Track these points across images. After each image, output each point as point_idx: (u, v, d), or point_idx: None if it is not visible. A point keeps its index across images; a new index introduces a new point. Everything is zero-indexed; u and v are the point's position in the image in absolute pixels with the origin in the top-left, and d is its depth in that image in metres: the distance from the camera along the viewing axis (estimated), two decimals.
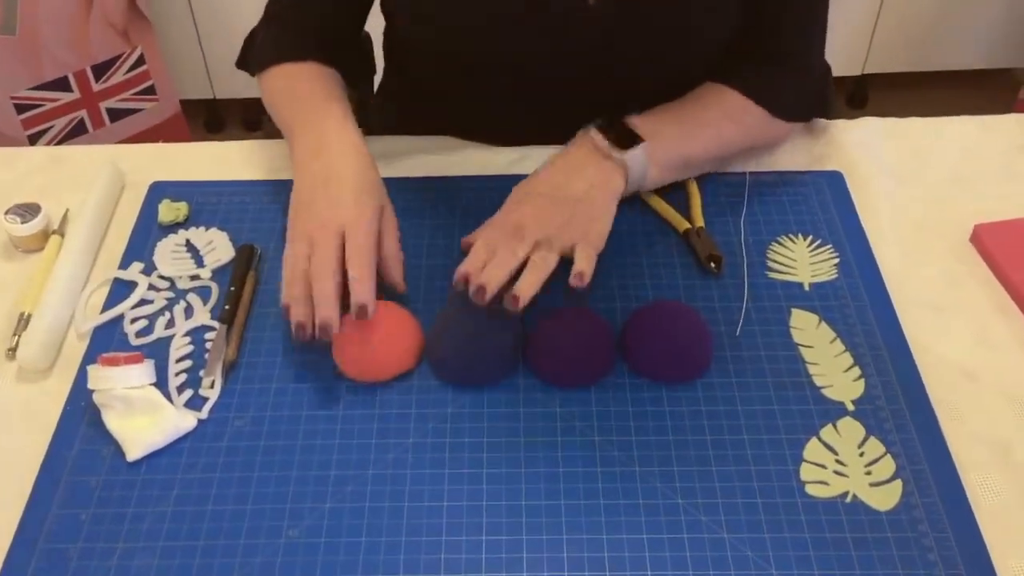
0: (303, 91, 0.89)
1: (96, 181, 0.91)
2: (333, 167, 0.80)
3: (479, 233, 0.80)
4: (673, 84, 0.93)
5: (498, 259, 0.75)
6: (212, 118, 2.34)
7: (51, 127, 1.83)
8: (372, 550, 0.65)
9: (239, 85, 2.20)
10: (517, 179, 0.83)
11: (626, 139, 0.82)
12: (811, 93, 0.95)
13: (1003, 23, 2.21)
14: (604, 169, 0.81)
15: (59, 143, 1.84)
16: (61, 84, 1.79)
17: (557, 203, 0.79)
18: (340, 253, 0.75)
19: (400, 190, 0.91)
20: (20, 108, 1.77)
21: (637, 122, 0.84)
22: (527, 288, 0.73)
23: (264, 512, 0.68)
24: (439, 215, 0.89)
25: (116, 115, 1.91)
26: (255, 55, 0.95)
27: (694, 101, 0.90)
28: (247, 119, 2.36)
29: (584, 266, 0.75)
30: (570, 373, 0.75)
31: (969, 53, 2.26)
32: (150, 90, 1.93)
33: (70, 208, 0.90)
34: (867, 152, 0.96)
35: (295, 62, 0.91)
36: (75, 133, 1.87)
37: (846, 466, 0.70)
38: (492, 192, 0.85)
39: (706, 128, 0.88)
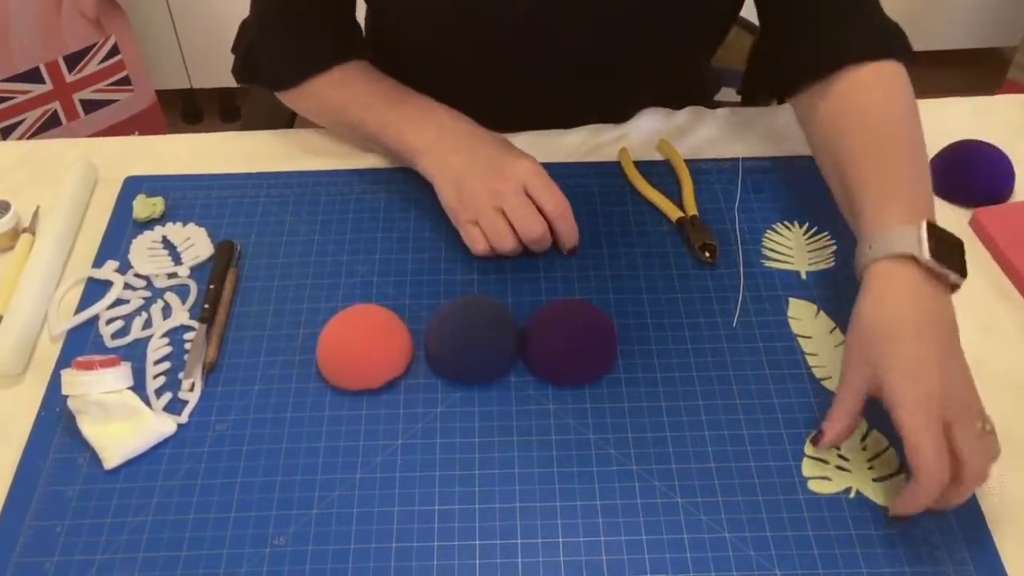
0: (368, 90, 0.87)
1: (67, 176, 0.87)
2: (469, 135, 0.80)
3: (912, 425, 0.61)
4: (661, 67, 0.90)
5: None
6: (189, 108, 2.30)
7: (23, 120, 1.78)
8: (361, 557, 0.63)
9: (217, 75, 2.16)
10: None
11: (946, 247, 0.66)
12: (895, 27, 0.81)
13: (990, 2, 2.19)
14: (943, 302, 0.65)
15: (32, 136, 1.80)
16: (33, 76, 1.74)
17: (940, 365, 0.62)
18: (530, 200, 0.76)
19: (382, 181, 0.89)
20: None
21: (924, 209, 0.69)
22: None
23: (248, 520, 0.65)
24: (423, 207, 0.86)
25: (90, 107, 1.86)
26: (278, 71, 0.90)
27: (860, 132, 0.74)
28: (225, 109, 2.32)
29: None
30: (572, 372, 0.73)
31: (957, 33, 2.24)
32: (125, 80, 1.88)
33: (41, 205, 0.87)
34: None
35: (334, 67, 0.88)
36: (49, 125, 1.83)
37: (848, 460, 0.68)
38: None
39: (904, 144, 0.73)
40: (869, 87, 0.77)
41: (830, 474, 0.67)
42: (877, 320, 0.64)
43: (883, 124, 0.74)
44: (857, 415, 0.65)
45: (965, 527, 0.64)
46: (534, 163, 0.78)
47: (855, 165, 0.73)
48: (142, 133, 1.81)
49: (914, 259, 0.65)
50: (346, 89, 0.88)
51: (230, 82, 0.94)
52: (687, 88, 1.02)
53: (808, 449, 0.68)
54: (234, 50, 0.93)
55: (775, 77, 0.87)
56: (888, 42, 0.78)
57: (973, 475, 0.60)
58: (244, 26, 0.93)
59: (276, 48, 0.90)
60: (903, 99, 0.76)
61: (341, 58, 0.88)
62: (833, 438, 0.65)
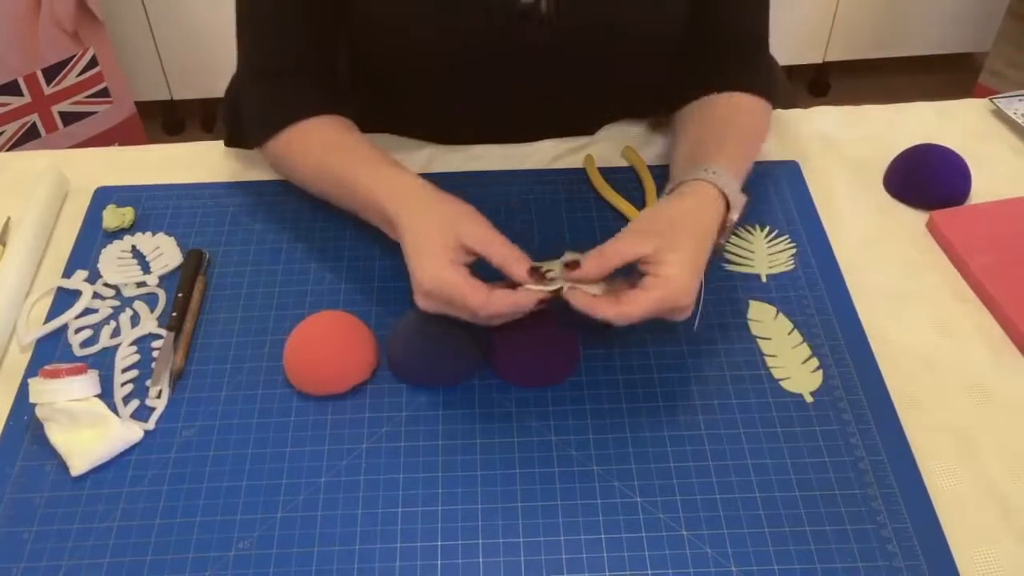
0: (332, 158, 0.81)
1: (38, 187, 0.88)
2: (404, 236, 0.73)
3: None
4: (625, 81, 0.92)
5: None
6: (170, 120, 2.30)
7: (2, 132, 1.79)
8: (325, 559, 0.64)
9: (197, 86, 2.16)
10: (470, 176, 0.81)
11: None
12: (778, 74, 0.95)
13: (962, 8, 2.22)
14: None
15: (11, 148, 1.80)
16: (11, 88, 1.75)
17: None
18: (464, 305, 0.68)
19: None
20: None
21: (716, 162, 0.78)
22: None
23: (213, 524, 0.66)
24: None
25: (69, 119, 1.87)
26: (253, 126, 0.87)
27: (728, 121, 0.86)
28: (207, 120, 2.33)
29: None
30: (535, 374, 0.74)
31: (929, 38, 2.27)
32: (104, 92, 1.89)
33: (12, 216, 0.87)
34: (823, 141, 0.95)
35: (303, 120, 0.84)
36: (28, 138, 1.83)
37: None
38: (444, 190, 0.83)
39: (752, 145, 0.86)
40: (747, 105, 0.88)
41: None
42: (689, 210, 0.74)
43: (750, 127, 0.87)
44: (612, 270, 0.69)
45: (918, 524, 0.65)
46: (432, 270, 0.69)
47: (720, 134, 0.84)
48: (122, 144, 1.80)
49: (727, 202, 0.76)
50: (310, 160, 0.83)
51: (211, 93, 0.94)
52: (653, 104, 1.03)
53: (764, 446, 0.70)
54: (221, 111, 0.92)
55: (677, 88, 0.91)
56: (769, 87, 0.90)
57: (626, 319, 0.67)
58: (230, 85, 0.92)
59: (253, 104, 0.87)
60: (764, 127, 0.90)
61: (312, 112, 0.84)
62: (586, 275, 0.68)
